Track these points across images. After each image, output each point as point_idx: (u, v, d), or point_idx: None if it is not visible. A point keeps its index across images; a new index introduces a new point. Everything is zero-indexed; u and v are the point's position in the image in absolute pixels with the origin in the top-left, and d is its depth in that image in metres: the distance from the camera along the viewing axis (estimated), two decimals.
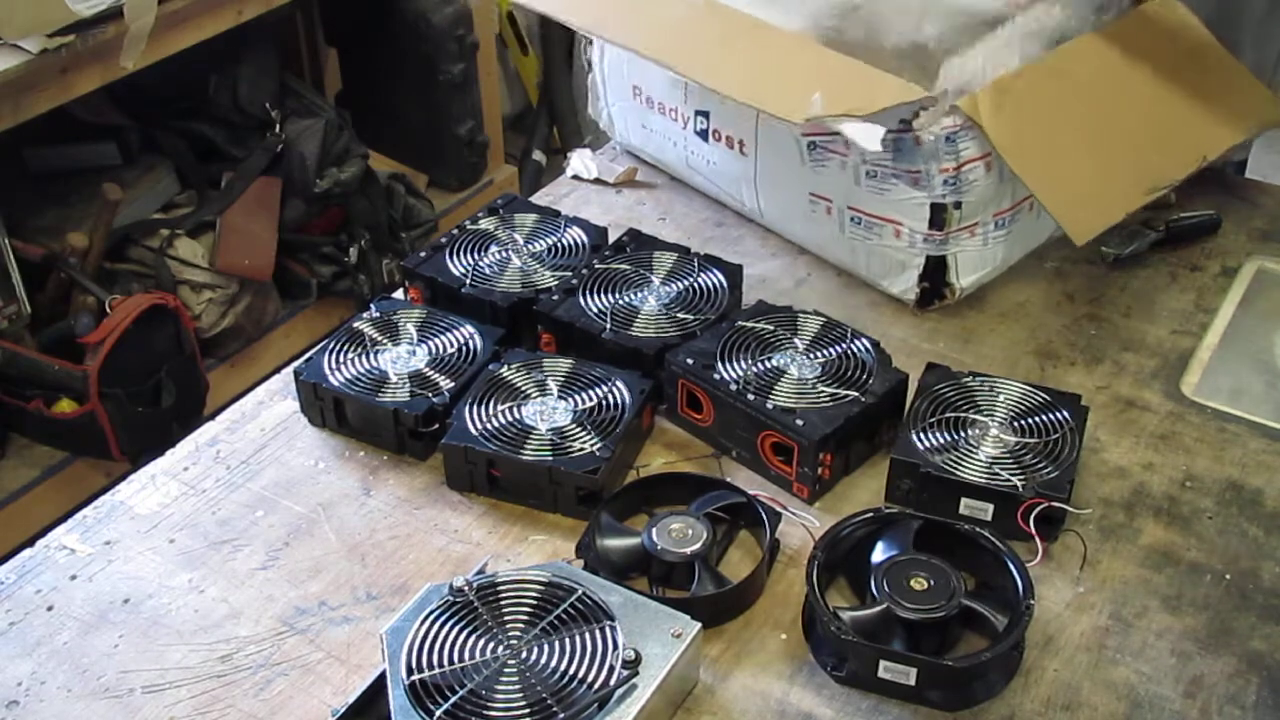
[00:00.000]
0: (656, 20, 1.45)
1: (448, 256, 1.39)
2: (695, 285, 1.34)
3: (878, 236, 1.40)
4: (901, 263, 1.39)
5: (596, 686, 0.92)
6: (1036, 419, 1.18)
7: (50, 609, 1.09)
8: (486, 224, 1.45)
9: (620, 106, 1.68)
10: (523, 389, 1.22)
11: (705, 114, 1.53)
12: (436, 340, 1.29)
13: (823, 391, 1.19)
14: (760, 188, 1.53)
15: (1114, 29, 1.44)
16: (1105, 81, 1.32)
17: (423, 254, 1.40)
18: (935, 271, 1.39)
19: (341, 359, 1.26)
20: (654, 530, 1.08)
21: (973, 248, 1.38)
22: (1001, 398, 1.20)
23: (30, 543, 1.16)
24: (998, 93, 1.31)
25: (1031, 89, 1.34)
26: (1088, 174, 1.34)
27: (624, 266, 1.37)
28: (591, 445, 1.15)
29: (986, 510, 1.12)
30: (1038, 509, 1.10)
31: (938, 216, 1.34)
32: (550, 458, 1.14)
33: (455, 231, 1.43)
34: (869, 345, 1.24)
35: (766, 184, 1.51)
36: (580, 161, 1.68)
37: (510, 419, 1.18)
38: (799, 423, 1.14)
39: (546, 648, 0.95)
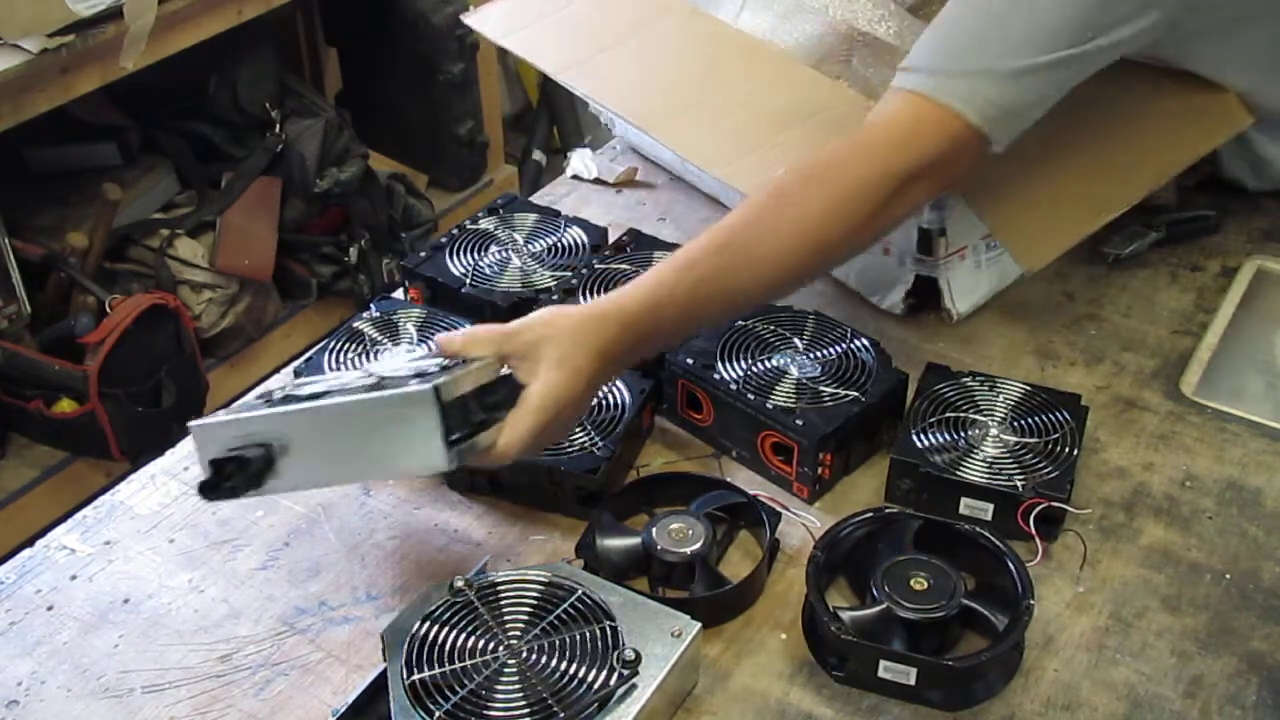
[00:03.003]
0: (641, 45, 1.43)
1: (448, 256, 1.39)
2: None
3: (867, 252, 1.39)
4: (891, 279, 1.38)
5: (596, 686, 0.92)
6: (1036, 419, 1.18)
7: (50, 609, 1.09)
8: (486, 224, 1.45)
9: None
10: None
11: None
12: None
13: (823, 391, 1.19)
14: None
15: None
16: (1057, 111, 1.22)
17: (423, 254, 1.40)
18: (924, 288, 1.37)
19: (341, 359, 1.26)
20: (654, 530, 1.08)
21: (965, 271, 1.36)
22: (1001, 398, 1.21)
23: (30, 543, 1.16)
24: None
25: None
26: (1040, 203, 1.31)
27: (624, 266, 1.37)
28: (591, 445, 1.15)
29: (986, 510, 1.12)
30: (1038, 509, 1.10)
31: (925, 242, 1.33)
32: (550, 457, 1.14)
33: (455, 231, 1.43)
34: (869, 345, 1.24)
35: None
36: (580, 161, 1.68)
37: None
38: (799, 423, 1.14)
39: (546, 648, 0.95)
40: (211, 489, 0.93)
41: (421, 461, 0.95)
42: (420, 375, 0.98)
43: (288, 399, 0.98)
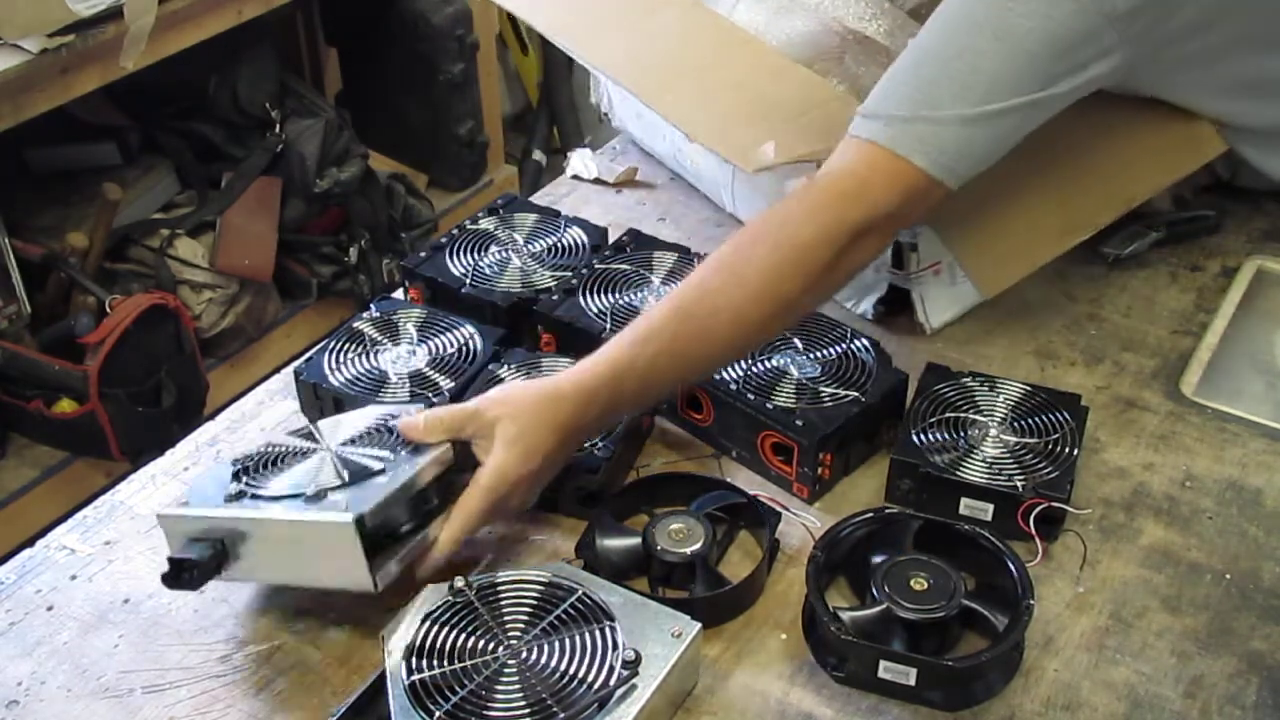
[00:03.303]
0: (641, 31, 1.43)
1: (448, 256, 1.39)
2: None
3: None
4: (866, 286, 1.38)
5: (596, 687, 0.92)
6: (1036, 419, 1.18)
7: (50, 609, 1.09)
8: (486, 224, 1.45)
9: (620, 92, 1.67)
10: None
11: None
12: (436, 340, 1.29)
13: (823, 391, 1.19)
14: (737, 195, 1.53)
15: None
16: (1026, 137, 1.20)
17: (423, 254, 1.40)
18: (896, 298, 1.37)
19: (341, 359, 1.26)
20: (654, 530, 1.08)
21: (940, 286, 1.35)
22: (1001, 398, 1.21)
23: (30, 543, 1.16)
24: None
25: None
26: (1006, 224, 1.30)
27: (624, 266, 1.37)
28: (591, 445, 1.15)
29: (986, 510, 1.12)
30: (1038, 509, 1.10)
31: (896, 255, 1.33)
32: None
33: (455, 231, 1.43)
34: (869, 345, 1.24)
35: (743, 192, 1.51)
36: (580, 161, 1.69)
37: None
38: (799, 423, 1.14)
39: (547, 648, 0.95)
40: (173, 580, 1.00)
41: (350, 582, 0.99)
42: (381, 463, 1.03)
43: (241, 494, 1.03)
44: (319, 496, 0.99)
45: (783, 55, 1.40)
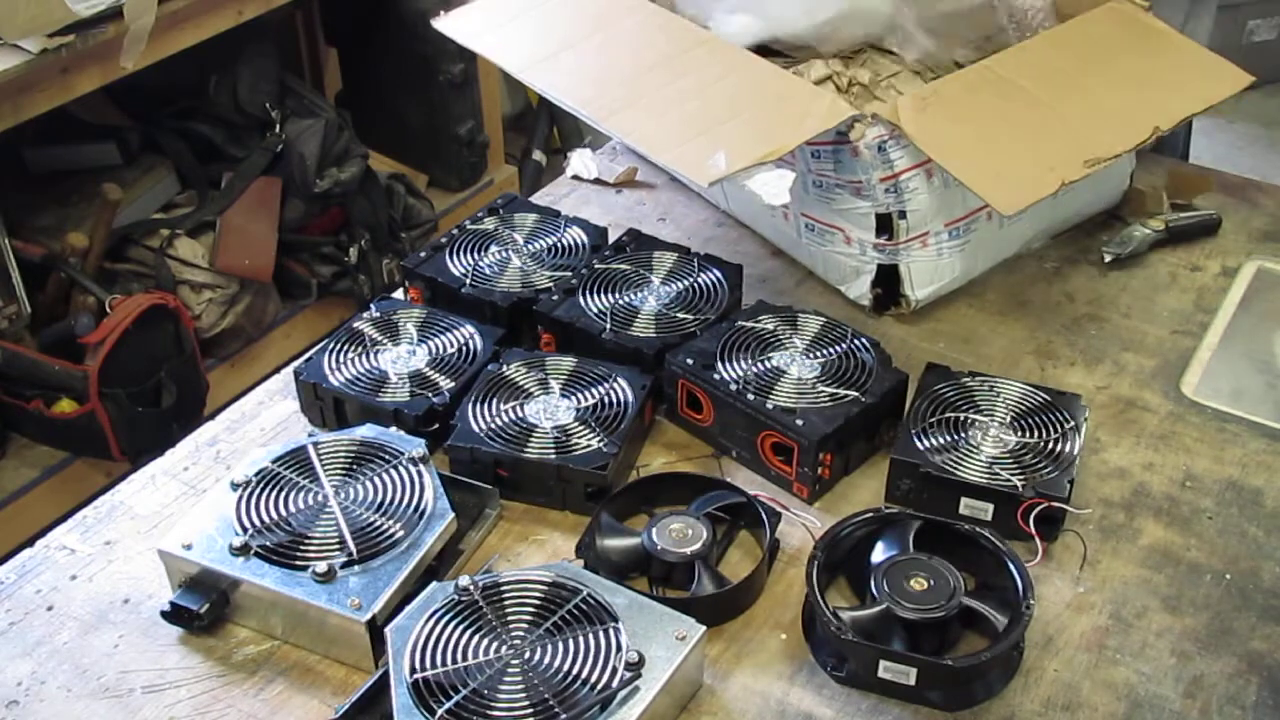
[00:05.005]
0: (604, 41, 1.43)
1: (448, 256, 1.40)
2: (695, 285, 1.34)
3: (830, 243, 1.40)
4: (855, 269, 1.39)
5: (599, 688, 0.92)
6: (1036, 419, 1.18)
7: (50, 609, 1.09)
8: (486, 224, 1.45)
9: None
10: (525, 387, 1.22)
11: None
12: (436, 340, 1.29)
13: (823, 391, 1.19)
14: (729, 191, 1.53)
15: (1058, 30, 1.41)
16: (1047, 76, 1.24)
17: (423, 254, 1.40)
18: (888, 278, 1.38)
19: (341, 359, 1.27)
20: (654, 530, 1.08)
21: (925, 258, 1.37)
22: (1001, 398, 1.21)
23: (30, 543, 1.16)
24: (920, 97, 1.29)
25: (961, 90, 1.33)
26: (1019, 156, 1.30)
27: (624, 266, 1.37)
28: (598, 442, 1.15)
29: (986, 510, 1.12)
30: (1038, 509, 1.10)
31: (884, 226, 1.33)
32: (556, 456, 1.14)
33: (455, 231, 1.43)
34: (869, 345, 1.24)
35: (733, 188, 1.52)
36: (580, 161, 1.69)
37: (514, 418, 1.18)
38: (799, 423, 1.14)
39: (550, 648, 0.95)
40: (173, 620, 1.05)
41: (350, 660, 1.03)
42: (390, 539, 1.05)
43: (246, 548, 1.05)
44: (329, 576, 1.02)
45: (740, 50, 1.40)
